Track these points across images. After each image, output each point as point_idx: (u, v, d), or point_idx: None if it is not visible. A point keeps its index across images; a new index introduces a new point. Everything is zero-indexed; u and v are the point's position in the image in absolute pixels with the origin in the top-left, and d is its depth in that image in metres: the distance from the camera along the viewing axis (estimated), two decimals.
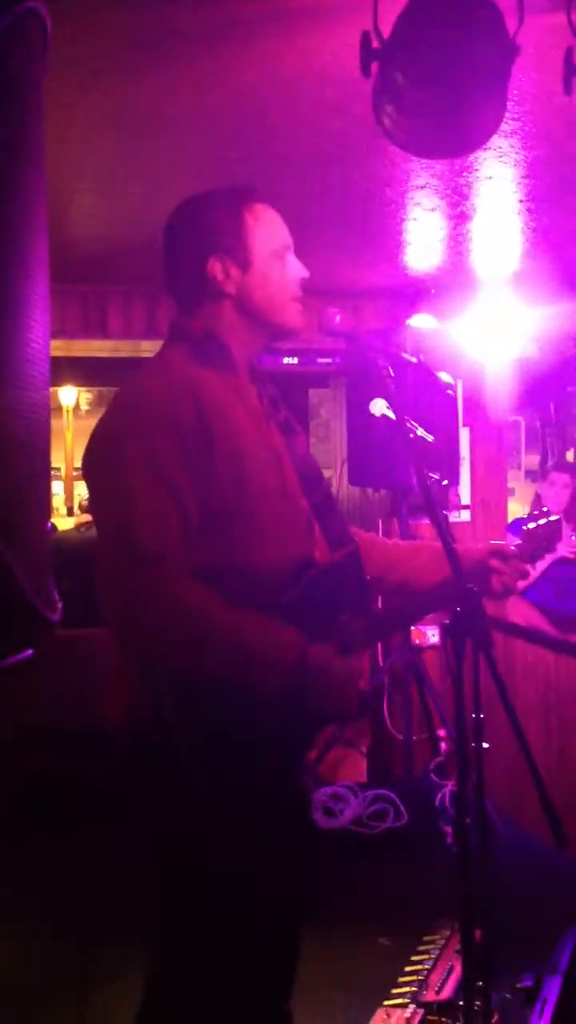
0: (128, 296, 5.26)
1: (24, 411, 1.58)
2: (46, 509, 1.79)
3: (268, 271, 2.01)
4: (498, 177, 3.54)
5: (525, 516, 2.34)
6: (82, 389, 15.70)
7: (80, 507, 11.04)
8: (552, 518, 2.28)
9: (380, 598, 2.23)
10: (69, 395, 15.91)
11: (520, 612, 5.16)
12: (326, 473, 2.30)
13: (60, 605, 1.62)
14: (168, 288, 2.08)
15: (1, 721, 4.63)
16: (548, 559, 4.73)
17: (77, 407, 17.31)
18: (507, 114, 2.29)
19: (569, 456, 11.07)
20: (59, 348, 5.30)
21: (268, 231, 2.02)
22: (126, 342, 5.39)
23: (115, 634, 1.93)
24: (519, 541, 2.25)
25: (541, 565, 5.03)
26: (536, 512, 2.33)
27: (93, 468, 1.94)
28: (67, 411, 16.85)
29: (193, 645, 1.79)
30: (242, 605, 1.83)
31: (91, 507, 2.02)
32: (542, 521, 2.26)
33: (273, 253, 2.02)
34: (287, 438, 2.04)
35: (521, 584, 5.16)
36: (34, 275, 1.64)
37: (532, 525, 2.25)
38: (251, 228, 2.00)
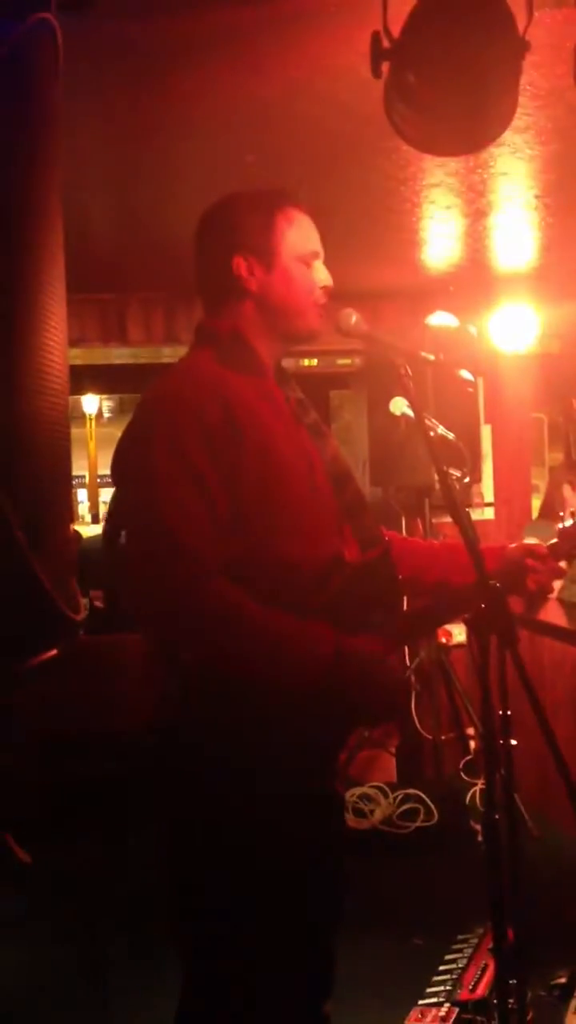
0: (147, 303, 5.27)
1: (44, 416, 1.60)
2: (68, 511, 1.80)
3: (292, 273, 2.02)
4: (513, 173, 3.53)
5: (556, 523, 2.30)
6: (104, 397, 15.78)
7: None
8: None
9: (413, 598, 2.23)
10: (91, 403, 15.98)
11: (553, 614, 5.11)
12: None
13: (85, 605, 1.64)
14: (196, 285, 2.10)
15: (30, 725, 4.66)
16: None
17: (99, 415, 17.40)
18: (520, 110, 2.29)
19: None
20: (79, 356, 5.33)
21: (297, 235, 2.03)
22: (146, 349, 5.41)
23: (144, 634, 1.94)
24: (555, 540, 2.23)
25: None
26: (572, 511, 2.31)
27: (123, 469, 1.96)
28: (90, 419, 16.93)
29: (230, 639, 1.80)
30: (272, 604, 1.84)
31: (121, 508, 2.03)
32: None
33: (299, 257, 2.03)
34: (317, 440, 2.05)
35: (557, 584, 5.12)
36: (50, 283, 1.65)
37: (569, 523, 2.23)
38: (280, 229, 2.01)
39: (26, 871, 4.30)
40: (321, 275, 2.05)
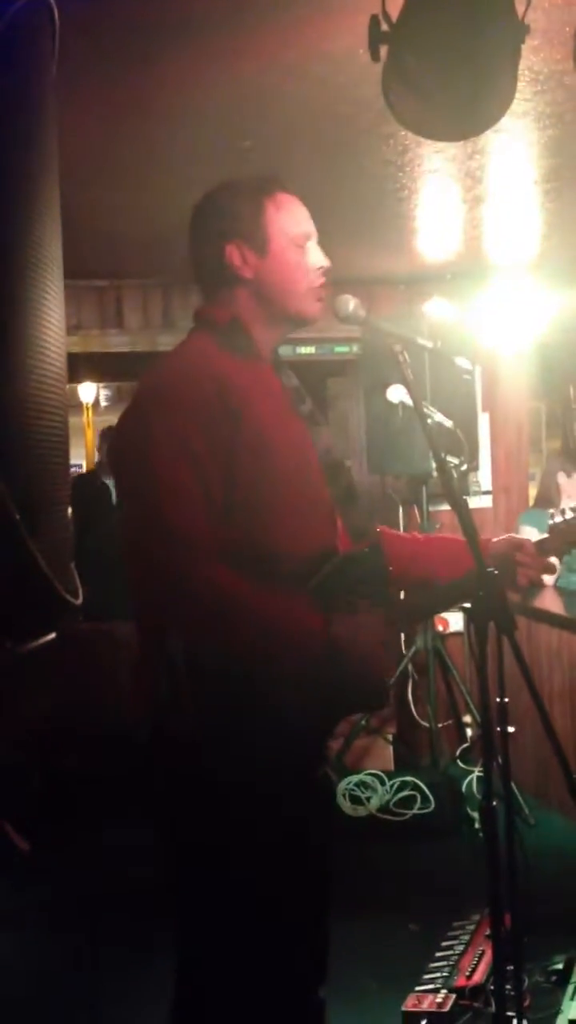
0: (145, 290, 5.26)
1: (42, 402, 1.60)
2: (65, 497, 1.80)
3: (286, 258, 2.00)
4: (511, 159, 3.52)
5: (549, 510, 2.29)
6: (101, 385, 15.71)
7: None
8: None
9: (403, 591, 2.23)
10: (88, 391, 15.91)
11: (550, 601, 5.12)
12: (346, 463, 2.32)
13: (81, 589, 1.64)
14: (193, 275, 2.10)
15: (29, 719, 4.66)
16: None
17: (97, 403, 17.33)
18: (518, 95, 2.27)
19: None
20: (76, 344, 5.31)
21: (288, 219, 2.02)
22: (143, 336, 5.40)
23: (138, 621, 1.94)
24: (545, 535, 2.22)
25: None
26: (564, 508, 2.29)
27: (121, 454, 1.97)
28: (87, 407, 16.87)
29: (222, 623, 1.80)
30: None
31: (118, 493, 2.03)
32: (569, 516, 2.23)
33: (292, 240, 2.01)
34: (311, 430, 2.05)
35: (549, 578, 5.12)
36: (47, 268, 1.64)
37: (559, 520, 2.22)
38: (270, 215, 2.00)
39: (24, 864, 4.30)
40: (316, 257, 2.04)
